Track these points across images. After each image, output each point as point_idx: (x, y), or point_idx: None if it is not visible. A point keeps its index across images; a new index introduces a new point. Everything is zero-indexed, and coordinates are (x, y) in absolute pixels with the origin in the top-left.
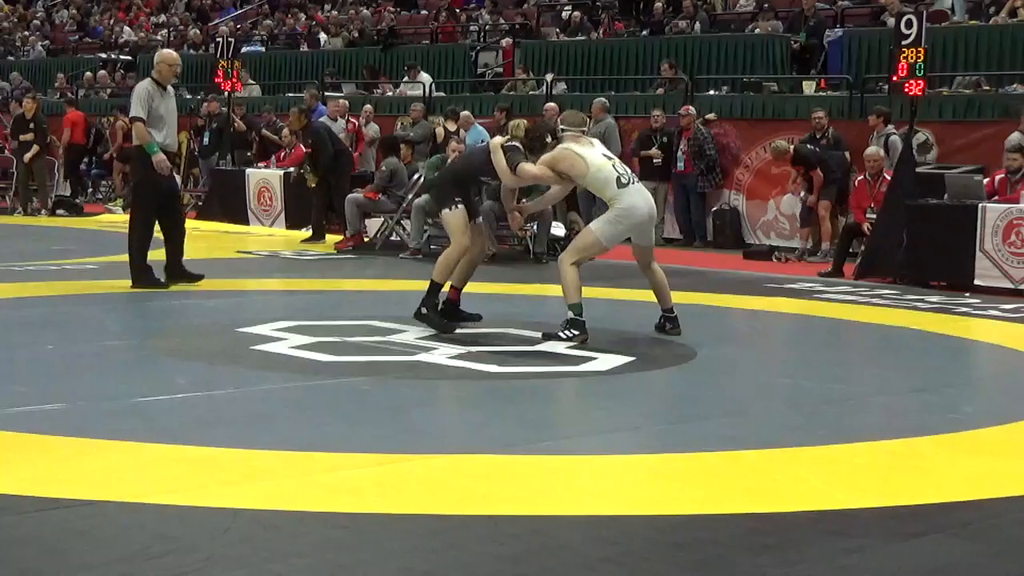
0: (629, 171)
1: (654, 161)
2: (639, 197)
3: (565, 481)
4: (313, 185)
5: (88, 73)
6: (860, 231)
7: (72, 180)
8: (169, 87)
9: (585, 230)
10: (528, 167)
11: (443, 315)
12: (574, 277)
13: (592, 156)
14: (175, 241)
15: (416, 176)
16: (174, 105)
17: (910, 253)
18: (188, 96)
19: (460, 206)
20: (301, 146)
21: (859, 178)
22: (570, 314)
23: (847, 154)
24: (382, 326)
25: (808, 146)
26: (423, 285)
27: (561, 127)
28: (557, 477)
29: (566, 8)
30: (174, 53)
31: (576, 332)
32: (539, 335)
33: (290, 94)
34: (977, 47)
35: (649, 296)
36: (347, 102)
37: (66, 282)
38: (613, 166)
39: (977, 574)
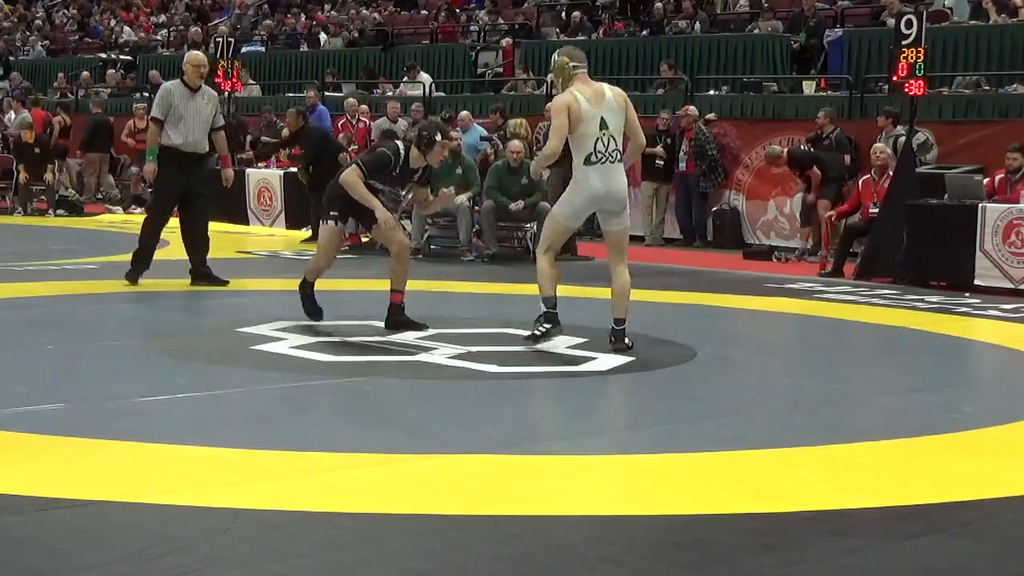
0: (611, 151)
1: (656, 162)
2: (600, 176)
3: (565, 481)
4: (304, 181)
5: (85, 73)
6: (862, 231)
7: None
8: (204, 88)
9: (549, 214)
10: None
11: (391, 321)
12: (544, 268)
13: (589, 114)
14: (194, 242)
15: None
16: (203, 106)
17: (910, 253)
18: None
19: (333, 222)
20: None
21: (864, 176)
22: (543, 307)
23: (847, 157)
24: (382, 326)
25: (802, 147)
26: (422, 285)
27: (572, 64)
28: (557, 477)
29: (566, 8)
30: (199, 54)
31: (548, 325)
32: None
33: (290, 94)
34: (977, 47)
35: (649, 296)
36: (397, 104)
37: (66, 282)
38: (598, 139)
39: (977, 574)
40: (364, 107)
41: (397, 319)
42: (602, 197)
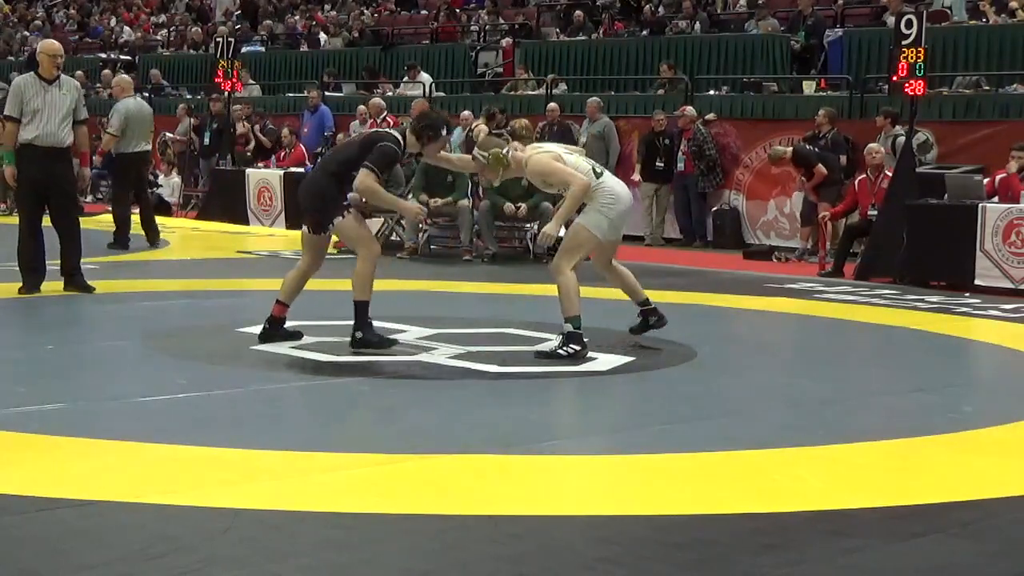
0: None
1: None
2: (619, 185)
3: (565, 481)
4: None
5: (79, 72)
6: (862, 231)
7: None
8: (63, 79)
9: (576, 227)
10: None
11: (265, 333)
12: (574, 285)
13: (559, 150)
14: (69, 244)
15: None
16: (60, 98)
17: (910, 253)
18: (188, 96)
19: (350, 211)
20: (301, 147)
21: (860, 177)
22: (568, 327)
23: (842, 157)
24: (382, 326)
25: (807, 146)
26: (421, 285)
27: (505, 151)
28: (557, 477)
29: (569, 7)
30: (55, 43)
31: (576, 348)
32: (539, 335)
33: (290, 94)
34: (977, 47)
35: (649, 296)
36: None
37: None
38: (581, 157)
39: (977, 574)
40: (363, 107)
41: (282, 331)
42: (628, 211)
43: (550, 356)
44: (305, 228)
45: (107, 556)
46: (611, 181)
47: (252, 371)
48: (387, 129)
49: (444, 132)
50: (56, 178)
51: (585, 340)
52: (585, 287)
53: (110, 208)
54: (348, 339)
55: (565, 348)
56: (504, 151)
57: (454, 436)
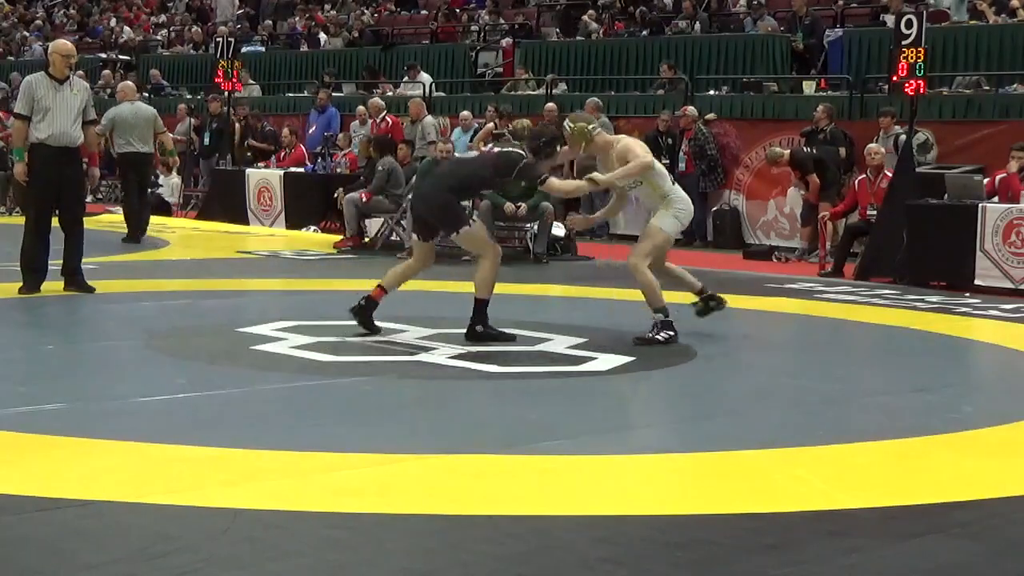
0: None
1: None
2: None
3: (565, 481)
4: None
5: (80, 72)
6: (862, 231)
7: None
8: (73, 79)
9: (652, 230)
10: (597, 176)
11: (358, 308)
12: (655, 281)
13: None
14: (71, 244)
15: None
16: (71, 97)
17: (910, 253)
18: (188, 96)
19: (476, 220)
20: (301, 147)
21: (860, 177)
22: (660, 317)
23: (841, 150)
24: (382, 326)
25: (804, 149)
26: (420, 285)
27: (592, 127)
28: (557, 477)
29: (571, 7)
30: (66, 43)
31: (670, 333)
32: (539, 335)
33: (290, 94)
34: (977, 47)
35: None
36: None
37: None
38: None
39: (977, 574)
40: (363, 107)
41: (367, 310)
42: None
43: (648, 342)
44: (415, 236)
45: (107, 556)
46: (681, 191)
47: (252, 371)
48: (509, 148)
49: (559, 149)
50: (67, 178)
51: (674, 324)
52: (588, 287)
53: (112, 208)
54: (348, 339)
55: (661, 334)
56: (591, 127)
57: (454, 436)
